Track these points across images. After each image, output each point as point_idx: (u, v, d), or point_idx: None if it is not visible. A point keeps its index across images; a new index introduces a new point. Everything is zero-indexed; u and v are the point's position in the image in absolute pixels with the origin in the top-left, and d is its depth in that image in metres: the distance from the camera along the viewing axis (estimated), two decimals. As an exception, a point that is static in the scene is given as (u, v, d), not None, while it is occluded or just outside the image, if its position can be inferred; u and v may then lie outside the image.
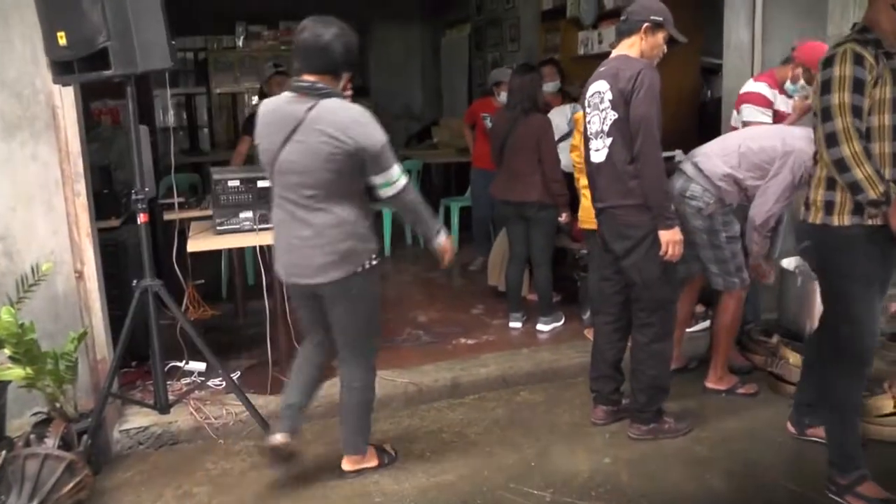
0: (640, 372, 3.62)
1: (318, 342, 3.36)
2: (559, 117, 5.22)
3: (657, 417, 3.68)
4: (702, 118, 5.48)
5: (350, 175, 2.92)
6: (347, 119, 2.87)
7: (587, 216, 4.47)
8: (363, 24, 11.46)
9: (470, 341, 4.86)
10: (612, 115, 3.38)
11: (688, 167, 3.89)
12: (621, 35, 3.56)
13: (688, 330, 4.55)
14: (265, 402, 3.86)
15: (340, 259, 2.98)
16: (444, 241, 3.19)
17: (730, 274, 3.91)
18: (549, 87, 5.81)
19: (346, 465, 3.39)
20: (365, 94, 11.45)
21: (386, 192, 2.99)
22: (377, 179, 2.95)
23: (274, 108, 2.99)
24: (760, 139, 3.84)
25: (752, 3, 4.76)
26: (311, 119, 2.85)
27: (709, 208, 3.80)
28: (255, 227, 4.00)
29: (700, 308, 4.79)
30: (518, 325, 5.06)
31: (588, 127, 3.57)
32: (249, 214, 3.99)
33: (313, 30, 2.91)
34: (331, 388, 4.02)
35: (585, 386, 4.24)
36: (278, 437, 3.23)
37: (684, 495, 3.26)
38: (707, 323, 4.62)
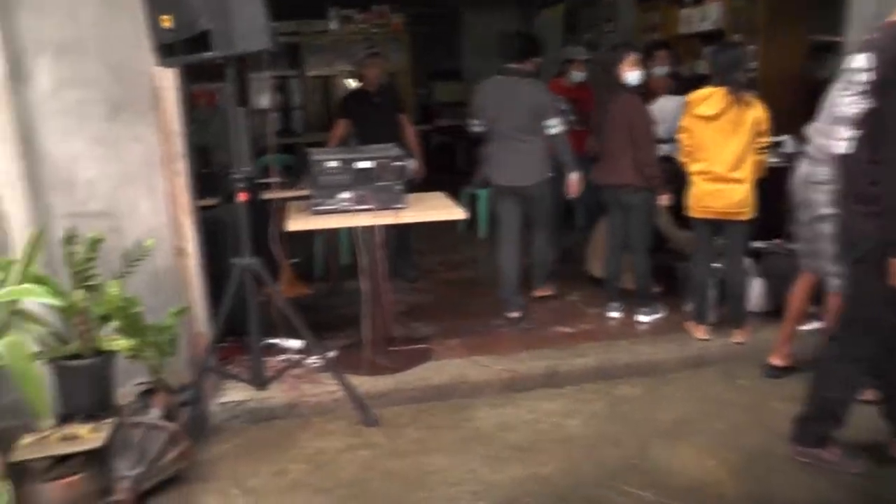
0: (815, 386, 3.28)
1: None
2: (670, 103, 5.03)
3: (821, 442, 3.30)
4: (815, 100, 5.19)
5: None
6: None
7: (696, 203, 4.31)
8: (454, 5, 11.42)
9: (567, 329, 4.74)
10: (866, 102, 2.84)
11: (810, 149, 3.67)
12: None
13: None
14: (360, 382, 3.86)
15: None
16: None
17: None
18: (658, 71, 5.65)
19: None
20: (457, 77, 11.41)
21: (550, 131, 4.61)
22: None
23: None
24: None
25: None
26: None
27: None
28: (352, 207, 3.96)
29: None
30: (616, 314, 4.92)
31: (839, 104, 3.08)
32: (347, 195, 3.96)
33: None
34: (425, 372, 4.03)
35: (685, 382, 4.13)
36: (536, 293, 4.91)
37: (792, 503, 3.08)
38: (817, 324, 4.35)
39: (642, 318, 4.81)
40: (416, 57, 10.55)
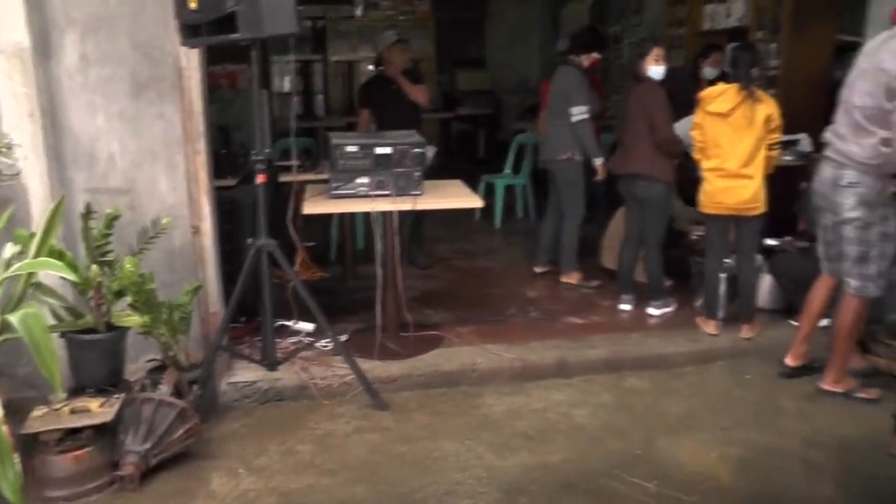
0: None
1: None
2: None
3: None
4: (833, 100, 5.18)
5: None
6: None
7: (709, 200, 4.30)
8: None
9: (578, 320, 4.76)
10: None
11: (833, 153, 3.66)
12: None
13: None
14: (371, 367, 3.89)
15: None
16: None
17: (867, 278, 3.66)
18: (709, 72, 5.89)
19: None
20: (481, 65, 11.39)
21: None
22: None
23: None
24: (861, 81, 3.53)
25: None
26: None
27: (871, 192, 3.54)
28: (370, 192, 3.98)
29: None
30: (627, 307, 4.93)
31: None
32: (366, 180, 3.99)
33: None
34: (436, 359, 4.05)
35: (694, 377, 4.15)
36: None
37: (793, 501, 3.09)
38: (827, 321, 4.33)
39: (653, 312, 4.82)
40: (440, 45, 10.54)
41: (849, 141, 3.57)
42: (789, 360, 4.11)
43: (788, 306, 4.70)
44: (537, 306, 5.00)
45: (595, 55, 5.37)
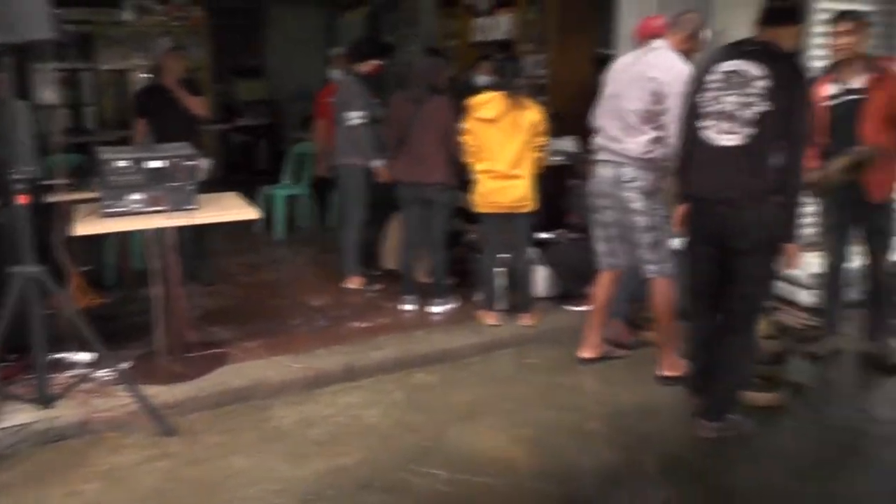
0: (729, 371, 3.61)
1: None
2: None
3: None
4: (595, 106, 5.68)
5: None
6: None
7: (483, 200, 4.56)
8: (258, 4, 11.20)
9: (364, 324, 4.85)
10: (764, 105, 3.22)
11: (609, 155, 4.01)
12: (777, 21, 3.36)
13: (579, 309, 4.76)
14: (157, 392, 3.77)
15: None
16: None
17: (663, 259, 4.01)
18: (480, 81, 6.21)
19: None
20: (260, 75, 11.21)
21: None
22: None
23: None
24: (630, 89, 3.94)
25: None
26: None
27: (648, 184, 3.92)
28: (143, 209, 3.86)
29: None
30: (411, 307, 5.09)
31: (710, 105, 3.38)
32: (139, 196, 3.84)
33: None
34: (224, 376, 4.01)
35: (480, 366, 4.39)
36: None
37: (581, 471, 3.38)
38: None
39: (436, 309, 5.02)
40: (217, 53, 10.28)
41: (624, 141, 3.95)
42: (585, 353, 4.41)
43: (564, 293, 5.11)
44: (323, 314, 5.05)
45: (375, 62, 5.50)
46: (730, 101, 3.29)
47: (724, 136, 3.31)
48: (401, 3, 9.24)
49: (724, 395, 3.62)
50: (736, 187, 3.29)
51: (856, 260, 4.46)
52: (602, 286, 4.29)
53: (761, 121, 3.22)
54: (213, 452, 3.47)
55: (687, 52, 3.90)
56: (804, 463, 3.47)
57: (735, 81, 3.29)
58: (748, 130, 3.25)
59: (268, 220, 6.56)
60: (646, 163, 3.92)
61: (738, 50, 3.35)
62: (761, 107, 3.21)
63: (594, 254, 4.27)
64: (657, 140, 3.88)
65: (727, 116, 3.30)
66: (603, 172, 4.08)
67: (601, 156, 4.10)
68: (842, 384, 4.44)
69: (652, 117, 3.88)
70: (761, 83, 3.22)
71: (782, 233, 3.30)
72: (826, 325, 4.58)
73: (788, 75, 3.24)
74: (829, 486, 3.28)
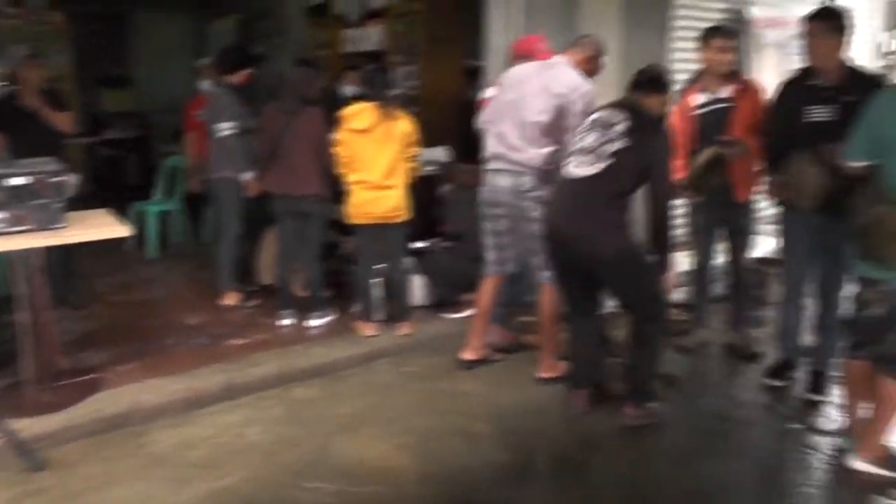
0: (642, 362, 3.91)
1: None
2: None
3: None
4: (465, 116, 5.83)
5: None
6: None
7: (357, 210, 4.62)
8: (122, 10, 10.83)
9: (242, 341, 4.80)
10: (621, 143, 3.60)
11: (508, 164, 4.12)
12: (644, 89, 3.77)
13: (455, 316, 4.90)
14: (27, 425, 3.61)
15: None
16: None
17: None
18: (347, 91, 6.36)
19: None
20: (127, 84, 10.84)
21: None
22: None
23: None
24: (534, 100, 4.08)
25: (509, 12, 5.05)
26: None
27: (544, 194, 4.04)
28: (6, 229, 3.69)
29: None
30: (289, 321, 5.07)
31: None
32: (1, 215, 3.64)
33: None
34: (98, 403, 3.89)
35: (360, 377, 4.45)
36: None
37: (467, 472, 3.48)
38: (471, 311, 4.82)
39: (314, 323, 5.02)
40: (80, 61, 9.84)
41: (525, 151, 4.07)
42: (467, 355, 4.52)
43: (440, 301, 5.23)
44: (200, 332, 4.97)
45: (245, 72, 5.44)
46: (590, 139, 3.66)
47: (581, 169, 3.65)
48: (270, 12, 9.15)
49: (641, 385, 3.89)
50: (585, 218, 3.65)
51: (719, 257, 4.80)
52: (486, 291, 4.41)
53: (617, 155, 3.58)
54: (90, 484, 3.36)
55: (586, 73, 4.10)
56: (680, 449, 3.72)
57: (599, 124, 3.66)
58: (604, 164, 3.58)
59: (140, 238, 6.37)
60: (544, 174, 4.06)
61: (608, 104, 3.78)
62: (618, 144, 3.58)
63: (470, 261, 4.41)
64: (556, 153, 4.03)
65: (587, 151, 3.64)
66: (500, 181, 4.17)
67: (497, 164, 4.19)
68: (710, 374, 4.78)
69: (553, 131, 4.03)
70: (621, 126, 3.59)
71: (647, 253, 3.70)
72: (695, 320, 4.91)
73: (649, 123, 3.66)
74: (703, 469, 3.53)
